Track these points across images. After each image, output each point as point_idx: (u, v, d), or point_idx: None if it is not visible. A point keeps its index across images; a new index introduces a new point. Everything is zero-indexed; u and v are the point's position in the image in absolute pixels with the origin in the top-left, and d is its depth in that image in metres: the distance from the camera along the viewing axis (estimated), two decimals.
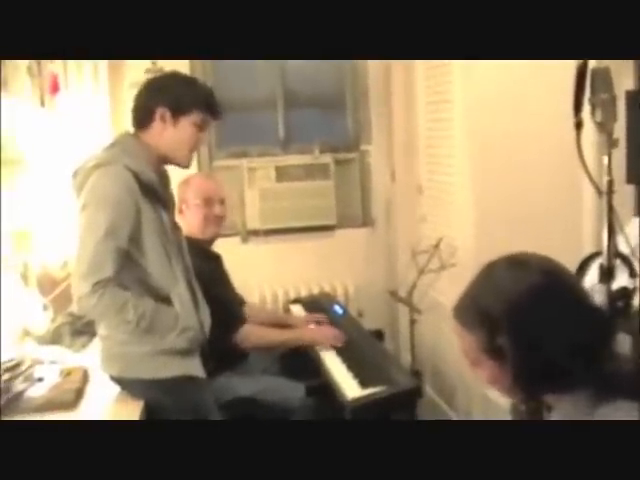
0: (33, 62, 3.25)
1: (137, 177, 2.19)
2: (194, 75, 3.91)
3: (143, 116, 2.31)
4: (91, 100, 3.53)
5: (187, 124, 2.29)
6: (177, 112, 2.28)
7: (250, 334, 2.97)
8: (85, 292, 2.10)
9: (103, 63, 3.57)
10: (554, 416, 1.33)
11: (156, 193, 2.27)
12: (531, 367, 1.23)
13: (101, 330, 2.35)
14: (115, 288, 2.13)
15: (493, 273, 1.31)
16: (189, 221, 2.94)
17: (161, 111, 2.28)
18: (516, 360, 1.24)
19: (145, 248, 2.22)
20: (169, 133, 2.29)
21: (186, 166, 2.39)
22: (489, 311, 1.26)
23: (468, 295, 1.34)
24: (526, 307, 1.23)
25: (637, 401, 1.20)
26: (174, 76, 2.38)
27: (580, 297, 1.29)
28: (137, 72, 3.58)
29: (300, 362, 3.04)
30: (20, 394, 2.27)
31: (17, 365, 2.43)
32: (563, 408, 1.28)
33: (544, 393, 1.30)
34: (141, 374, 2.29)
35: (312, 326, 3.30)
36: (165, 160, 2.35)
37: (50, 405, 2.23)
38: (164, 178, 2.42)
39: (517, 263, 1.31)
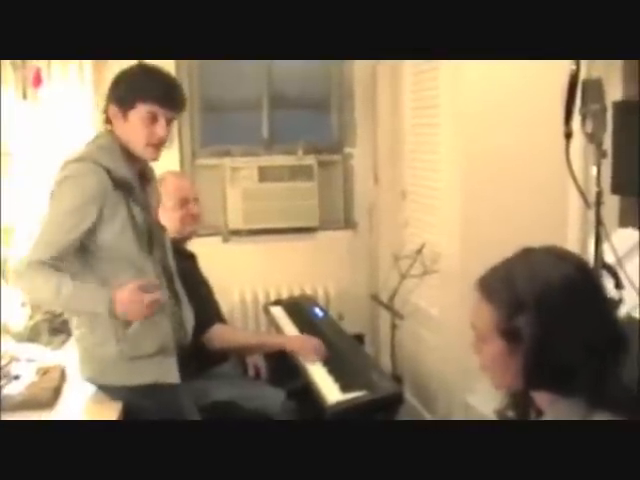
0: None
1: (109, 173, 2.17)
2: (180, 73, 3.89)
3: (105, 114, 2.29)
4: (74, 93, 3.49)
5: (135, 118, 2.22)
6: (123, 108, 2.22)
7: (220, 334, 2.91)
8: (24, 269, 2.14)
9: None
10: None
11: (131, 189, 2.24)
12: (542, 355, 1.22)
13: (75, 331, 2.32)
14: (52, 270, 2.13)
15: (530, 257, 1.30)
16: (165, 222, 2.89)
17: (112, 110, 2.25)
18: (530, 344, 1.22)
19: (104, 242, 2.19)
20: (124, 129, 2.24)
21: (152, 159, 2.32)
22: (518, 288, 1.25)
23: (500, 269, 1.32)
24: (556, 295, 1.22)
25: (627, 416, 1.20)
26: (125, 71, 2.28)
27: (606, 304, 1.30)
28: (122, 66, 3.53)
29: (281, 364, 3.02)
30: None
31: None
32: (555, 413, 1.26)
33: (543, 387, 1.28)
34: (113, 380, 2.27)
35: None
36: (135, 155, 2.29)
37: (27, 404, 2.20)
38: (144, 175, 2.38)
39: (556, 254, 1.31)
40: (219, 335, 2.90)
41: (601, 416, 1.21)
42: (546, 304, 1.22)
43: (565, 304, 1.22)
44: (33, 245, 2.16)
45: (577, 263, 1.30)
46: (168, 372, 2.29)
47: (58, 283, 2.11)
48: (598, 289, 1.30)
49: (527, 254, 1.31)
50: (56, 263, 2.13)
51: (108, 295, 2.13)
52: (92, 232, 2.17)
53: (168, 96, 2.24)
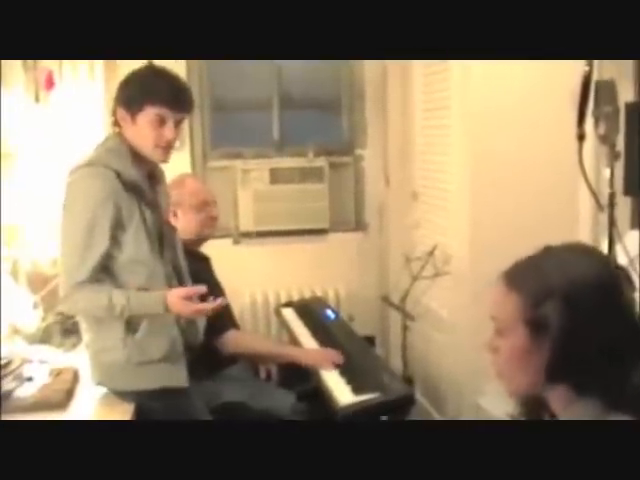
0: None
1: (119, 176, 2.18)
2: (190, 75, 3.91)
3: (113, 117, 2.29)
4: (86, 96, 3.50)
5: (143, 121, 2.21)
6: (131, 110, 2.21)
7: (235, 340, 2.91)
8: (64, 294, 2.18)
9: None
10: None
11: (141, 192, 2.25)
12: (566, 347, 1.20)
13: (85, 337, 2.33)
14: (94, 285, 2.16)
15: (556, 251, 1.28)
16: (185, 224, 2.88)
17: (120, 113, 2.24)
18: (555, 334, 1.20)
19: (124, 246, 2.20)
20: (132, 131, 2.23)
21: (162, 161, 2.31)
22: (547, 276, 1.23)
23: (526, 261, 1.29)
24: (585, 287, 1.21)
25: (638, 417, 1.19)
26: (132, 74, 2.27)
27: (631, 303, 1.28)
28: (132, 68, 3.54)
29: (292, 367, 3.01)
30: (9, 394, 2.24)
31: (6, 364, 2.40)
32: (570, 416, 1.25)
33: (563, 382, 1.25)
34: (122, 385, 2.28)
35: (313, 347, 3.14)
36: (144, 157, 2.28)
37: (40, 405, 2.21)
38: (153, 176, 2.38)
39: (582, 248, 1.30)
40: (234, 340, 2.89)
41: (615, 418, 1.20)
42: (575, 294, 1.20)
43: (593, 296, 1.20)
44: (67, 268, 2.17)
45: (603, 258, 1.32)
46: (176, 376, 2.29)
47: (108, 296, 2.15)
48: (623, 286, 1.28)
49: (551, 249, 1.28)
50: (95, 276, 2.17)
51: (162, 296, 2.18)
52: (115, 238, 2.18)
53: (176, 98, 2.24)
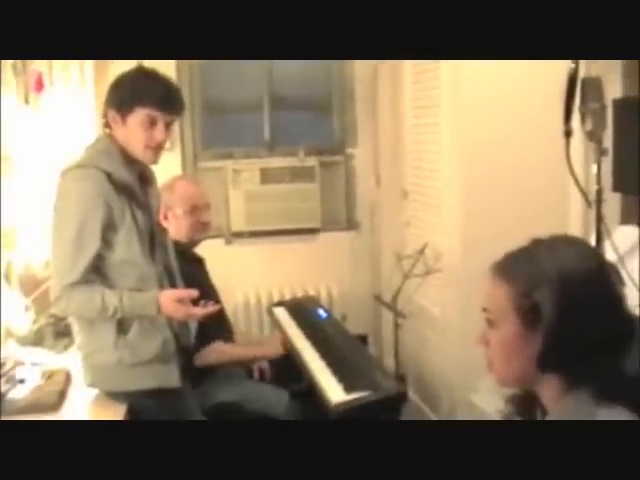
0: (18, 60, 3.22)
1: (110, 177, 2.18)
2: (181, 75, 3.92)
3: (104, 119, 2.30)
4: (76, 98, 3.50)
5: (134, 123, 2.22)
6: (121, 112, 2.23)
7: (211, 352, 2.85)
8: (57, 295, 2.17)
9: (89, 61, 3.54)
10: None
11: (132, 193, 2.25)
12: (559, 334, 1.20)
13: (77, 338, 2.34)
14: (86, 286, 2.16)
15: (546, 241, 1.28)
16: (175, 228, 2.85)
17: (111, 114, 2.25)
18: (548, 320, 1.20)
19: (115, 247, 2.21)
20: (123, 133, 2.24)
21: (151, 162, 2.32)
22: (539, 262, 1.22)
23: (517, 252, 1.28)
24: (577, 273, 1.21)
25: (635, 411, 1.19)
26: (123, 76, 2.29)
27: (620, 293, 1.28)
28: (123, 70, 3.53)
29: (285, 366, 3.02)
30: (1, 396, 2.24)
31: None
32: (561, 410, 1.25)
33: (555, 371, 1.25)
34: (114, 386, 2.29)
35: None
36: (134, 158, 2.29)
37: (32, 407, 2.21)
38: (144, 177, 2.38)
39: (570, 239, 1.31)
40: (211, 353, 2.85)
41: (608, 411, 1.20)
42: (567, 281, 1.20)
43: (585, 285, 1.20)
44: (58, 270, 2.18)
45: (593, 248, 1.31)
46: (168, 377, 2.30)
47: (100, 296, 2.15)
48: (613, 276, 1.28)
49: (542, 240, 1.28)
50: (86, 277, 2.17)
51: (155, 298, 2.19)
52: (106, 239, 2.18)
53: (166, 100, 2.25)
